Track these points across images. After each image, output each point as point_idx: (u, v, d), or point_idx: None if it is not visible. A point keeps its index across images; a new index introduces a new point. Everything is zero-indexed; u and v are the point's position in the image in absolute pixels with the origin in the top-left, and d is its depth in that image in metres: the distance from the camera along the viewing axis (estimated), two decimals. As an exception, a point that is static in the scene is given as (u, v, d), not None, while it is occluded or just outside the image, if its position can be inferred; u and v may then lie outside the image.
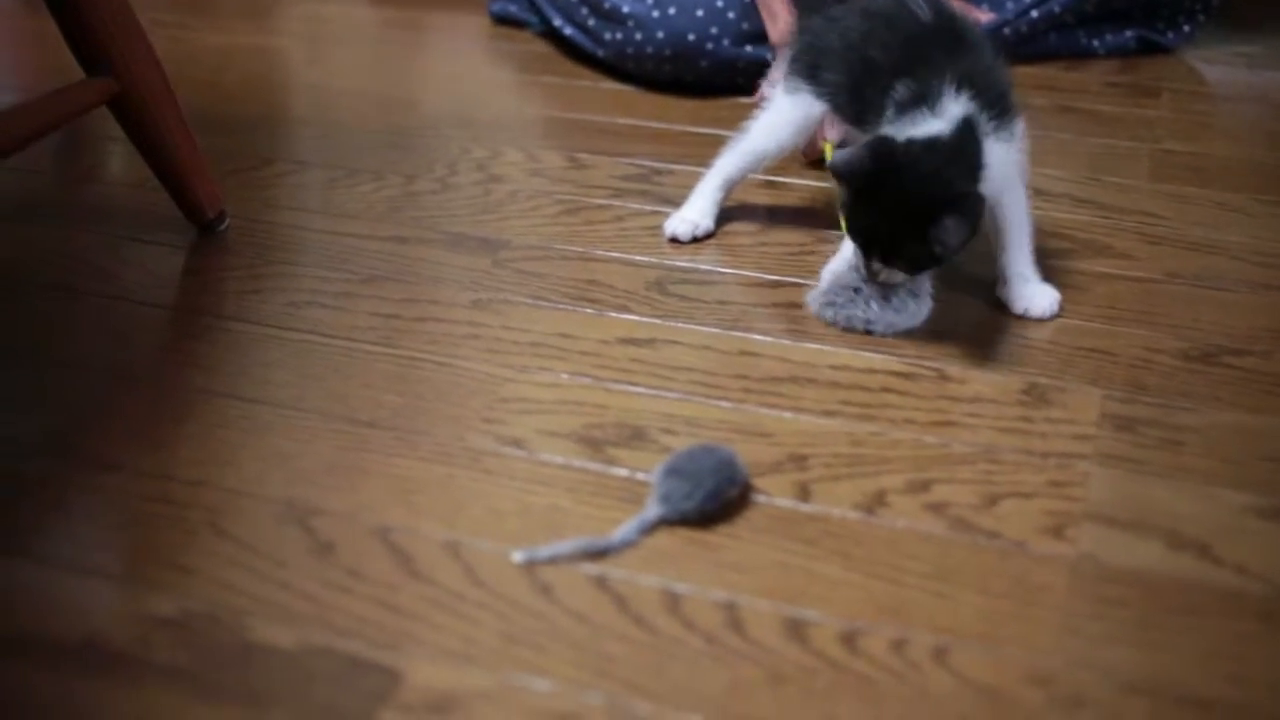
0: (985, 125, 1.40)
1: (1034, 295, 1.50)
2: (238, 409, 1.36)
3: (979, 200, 1.36)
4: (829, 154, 1.89)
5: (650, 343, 1.47)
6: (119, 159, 1.97)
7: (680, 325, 1.49)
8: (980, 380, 1.40)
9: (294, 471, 1.27)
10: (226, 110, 2.11)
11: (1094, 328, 1.48)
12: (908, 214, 1.34)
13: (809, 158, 1.87)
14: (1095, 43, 2.28)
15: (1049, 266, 1.59)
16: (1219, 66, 2.28)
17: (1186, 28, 2.30)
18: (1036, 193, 1.75)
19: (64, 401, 1.38)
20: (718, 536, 1.18)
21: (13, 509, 1.22)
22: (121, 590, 1.13)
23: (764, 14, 2.01)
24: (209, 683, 1.03)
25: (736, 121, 1.67)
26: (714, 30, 2.06)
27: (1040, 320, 1.49)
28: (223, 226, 1.72)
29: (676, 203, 1.75)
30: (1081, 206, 1.76)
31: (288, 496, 1.24)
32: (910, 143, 1.38)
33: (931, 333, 1.47)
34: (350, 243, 1.68)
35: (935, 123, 1.38)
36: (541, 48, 2.36)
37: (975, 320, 1.50)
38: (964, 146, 1.38)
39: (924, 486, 1.24)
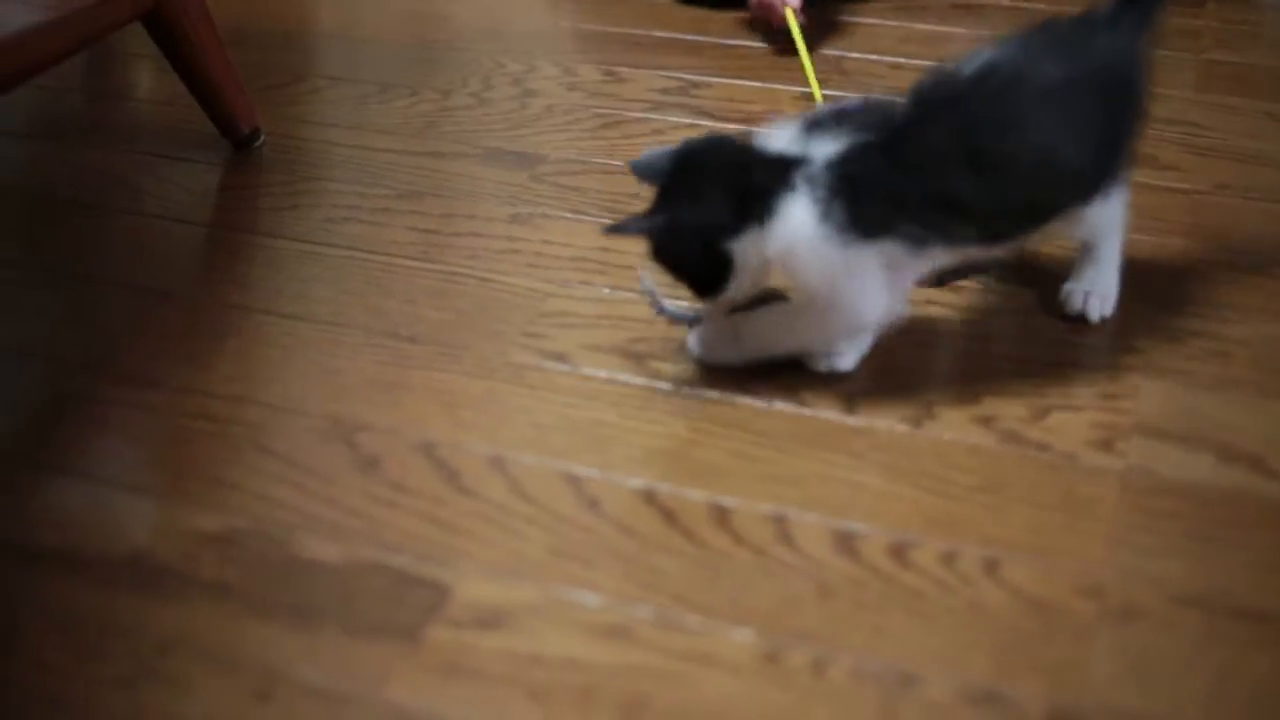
0: (807, 184, 1.17)
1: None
2: (277, 325, 1.36)
3: (671, 229, 1.21)
4: (792, 21, 1.86)
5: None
6: (150, 75, 1.95)
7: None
8: (1027, 294, 1.38)
9: (336, 387, 1.26)
10: (258, 25, 2.09)
11: (1142, 240, 1.46)
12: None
13: (775, 26, 1.89)
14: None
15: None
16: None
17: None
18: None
19: (102, 320, 1.38)
20: (764, 450, 1.17)
21: (56, 427, 1.22)
22: (166, 507, 1.12)
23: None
24: (257, 598, 1.03)
25: (771, 34, 1.64)
26: None
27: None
28: (258, 143, 1.70)
29: (715, 115, 1.73)
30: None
31: (331, 412, 1.23)
32: (720, 148, 1.23)
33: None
34: (386, 158, 1.67)
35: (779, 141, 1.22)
36: None
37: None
38: (749, 179, 1.19)
39: (973, 399, 1.22)
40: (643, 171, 1.23)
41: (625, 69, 1.89)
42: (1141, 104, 1.27)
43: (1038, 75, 1.20)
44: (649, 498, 1.12)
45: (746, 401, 1.23)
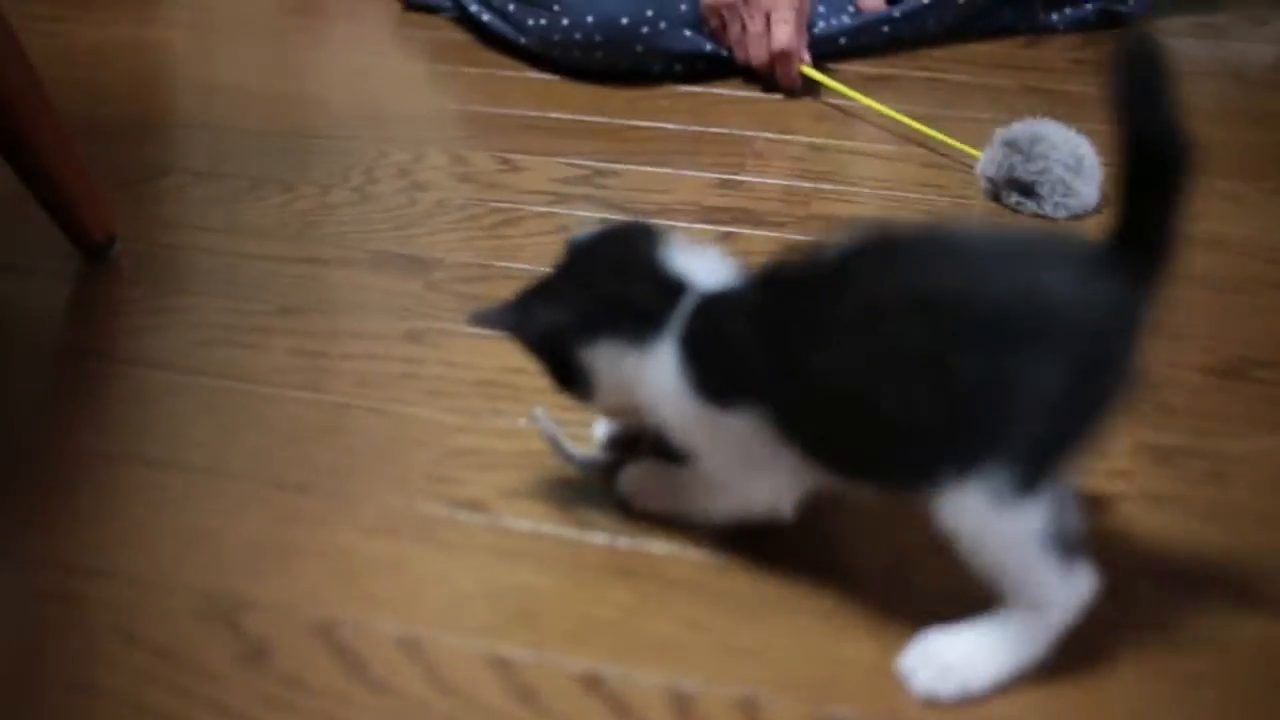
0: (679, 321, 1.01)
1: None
2: (142, 476, 1.17)
3: (519, 326, 1.08)
4: (812, 71, 1.74)
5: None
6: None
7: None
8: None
9: (215, 554, 1.08)
10: (109, 114, 1.88)
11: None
12: None
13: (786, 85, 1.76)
14: (1054, 17, 2.13)
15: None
16: (1185, 40, 2.14)
17: (1141, -2, 2.15)
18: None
19: (-66, 475, 1.18)
20: (725, 617, 1.01)
21: (-125, 619, 1.02)
22: (13, 721, 0.93)
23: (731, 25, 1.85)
24: (128, 843, 0.84)
25: (680, 113, 1.49)
26: (649, 13, 1.87)
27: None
28: (113, 251, 1.51)
29: (624, 207, 1.57)
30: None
31: (209, 587, 1.04)
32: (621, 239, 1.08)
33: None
34: (261, 267, 1.48)
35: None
36: (457, 35, 2.14)
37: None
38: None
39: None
40: (568, 252, 1.09)
41: (521, 156, 1.72)
42: (1101, 384, 0.89)
43: (919, 277, 0.90)
44: (592, 684, 0.95)
45: (698, 556, 1.07)
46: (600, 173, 1.67)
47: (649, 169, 1.67)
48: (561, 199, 1.61)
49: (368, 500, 1.13)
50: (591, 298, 1.04)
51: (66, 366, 1.34)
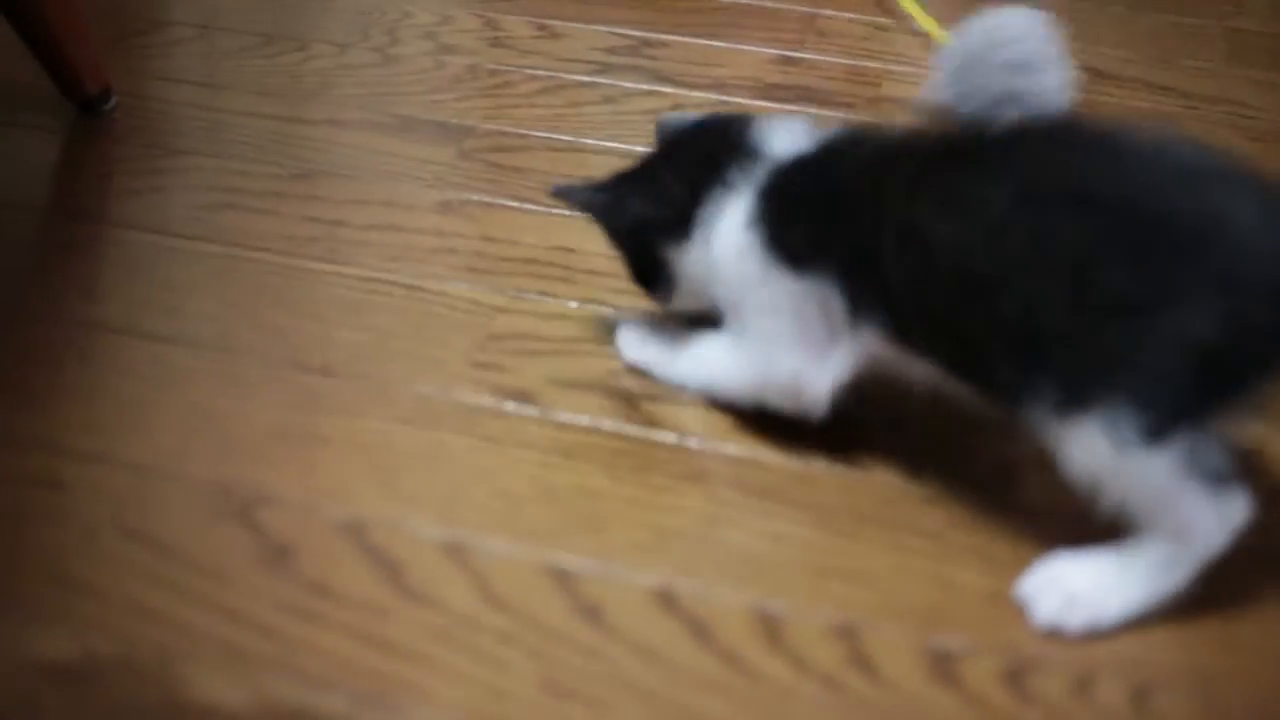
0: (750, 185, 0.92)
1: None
2: (142, 350, 1.02)
3: (607, 212, 0.99)
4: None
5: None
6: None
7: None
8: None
9: (227, 440, 0.94)
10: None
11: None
12: None
13: None
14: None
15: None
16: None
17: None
18: (1100, 76, 1.46)
19: (-95, 340, 1.03)
20: (813, 530, 0.88)
21: None
22: (-6, 623, 0.80)
23: None
24: (128, 770, 0.71)
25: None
26: None
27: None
28: (108, 106, 1.35)
29: (677, 80, 1.42)
30: (1161, 94, 1.45)
31: (221, 477, 0.91)
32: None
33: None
34: (273, 127, 1.33)
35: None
36: None
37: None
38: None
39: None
40: (659, 136, 1.01)
41: (561, 23, 1.56)
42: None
43: (1083, 171, 0.78)
44: (668, 602, 0.82)
45: (778, 460, 0.94)
46: (647, 43, 1.52)
47: (701, 41, 1.52)
48: (606, 69, 1.46)
49: (401, 386, 0.99)
50: (683, 190, 0.94)
51: (54, 228, 1.19)
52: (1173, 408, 0.75)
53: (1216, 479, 0.78)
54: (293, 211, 1.19)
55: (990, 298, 0.78)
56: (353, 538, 0.86)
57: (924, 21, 1.52)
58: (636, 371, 1.01)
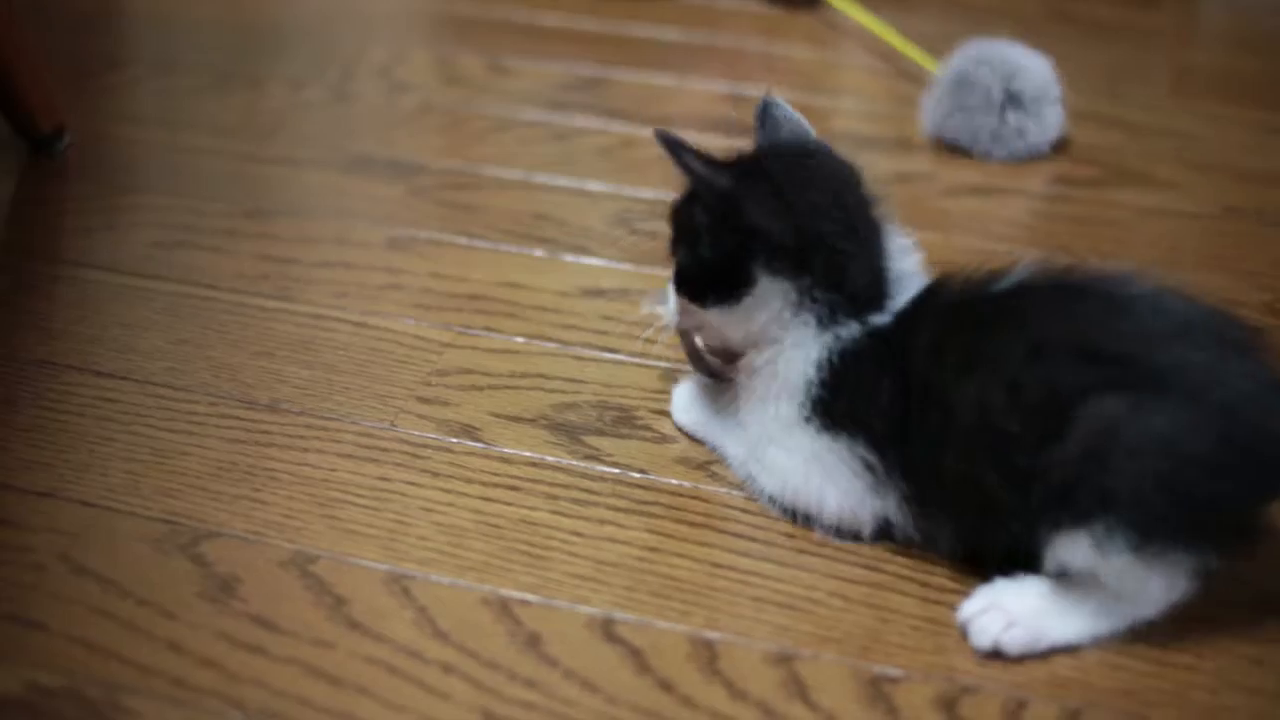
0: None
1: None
2: (92, 388, 1.04)
3: (723, 200, 0.91)
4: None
5: (623, 294, 1.16)
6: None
7: (658, 272, 1.18)
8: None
9: (174, 476, 0.95)
10: (62, 1, 1.73)
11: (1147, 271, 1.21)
12: None
13: None
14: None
15: (1084, 199, 1.33)
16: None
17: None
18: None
19: None
20: (754, 560, 0.90)
21: None
22: (-61, 659, 0.81)
23: None
24: (70, 804, 0.72)
25: (680, 22, 1.36)
26: None
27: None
28: (62, 145, 1.36)
29: (629, 117, 1.44)
30: (1109, 128, 1.48)
31: (168, 512, 0.92)
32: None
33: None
34: (226, 166, 1.34)
35: None
36: None
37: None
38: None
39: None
40: (767, 115, 0.97)
41: (514, 60, 1.58)
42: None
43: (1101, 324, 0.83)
44: (608, 632, 0.84)
45: (721, 494, 0.95)
46: (599, 80, 1.54)
47: (650, 78, 1.54)
48: (558, 106, 1.48)
49: (347, 421, 1.01)
50: (806, 230, 0.89)
51: (7, 266, 1.20)
52: (1162, 528, 0.79)
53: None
54: (244, 249, 1.21)
55: (1008, 449, 0.82)
56: (297, 571, 0.87)
57: (912, 54, 1.53)
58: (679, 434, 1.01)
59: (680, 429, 1.00)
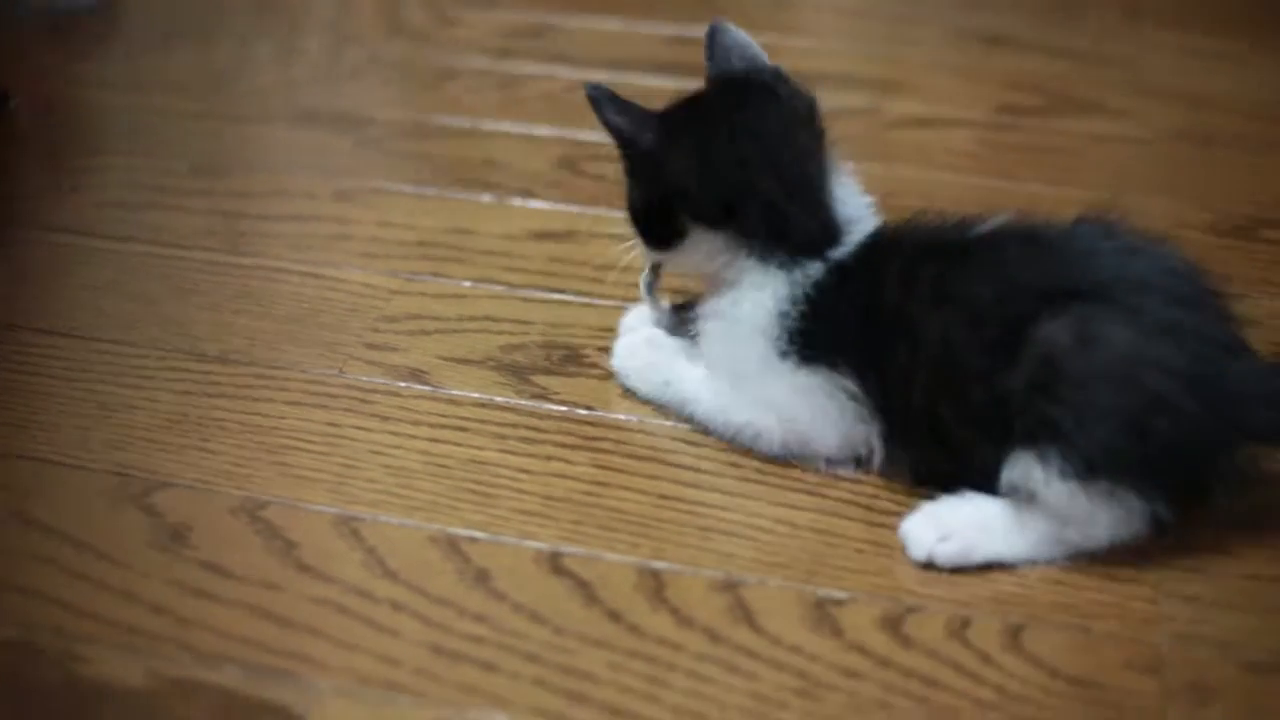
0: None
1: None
2: (44, 346, 1.04)
3: (644, 157, 0.92)
4: None
5: (569, 236, 1.17)
6: None
7: (604, 213, 1.19)
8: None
9: (125, 429, 0.96)
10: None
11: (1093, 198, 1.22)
12: None
13: None
14: None
15: (1030, 127, 1.33)
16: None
17: None
18: (994, 40, 1.50)
19: None
20: (700, 490, 0.91)
21: None
22: (-109, 615, 0.81)
23: None
24: (25, 749, 0.73)
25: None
26: None
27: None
28: (8, 107, 1.36)
29: (578, 61, 1.44)
30: (1057, 57, 1.48)
31: (119, 464, 0.92)
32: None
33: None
34: (175, 124, 1.34)
35: None
36: None
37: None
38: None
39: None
40: (716, 42, 0.96)
41: (461, 10, 1.58)
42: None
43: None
44: (556, 566, 0.85)
45: (667, 427, 0.96)
46: (548, 26, 1.54)
47: (598, 23, 1.54)
48: (505, 53, 1.48)
49: (295, 370, 1.01)
50: (732, 184, 0.90)
51: (-44, 230, 1.21)
52: (1104, 462, 0.81)
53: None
54: (192, 205, 1.21)
55: (968, 381, 0.83)
56: (247, 518, 0.88)
57: None
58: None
59: (625, 385, 1.00)
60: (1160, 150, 1.32)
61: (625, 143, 0.92)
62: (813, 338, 0.89)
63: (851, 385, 0.88)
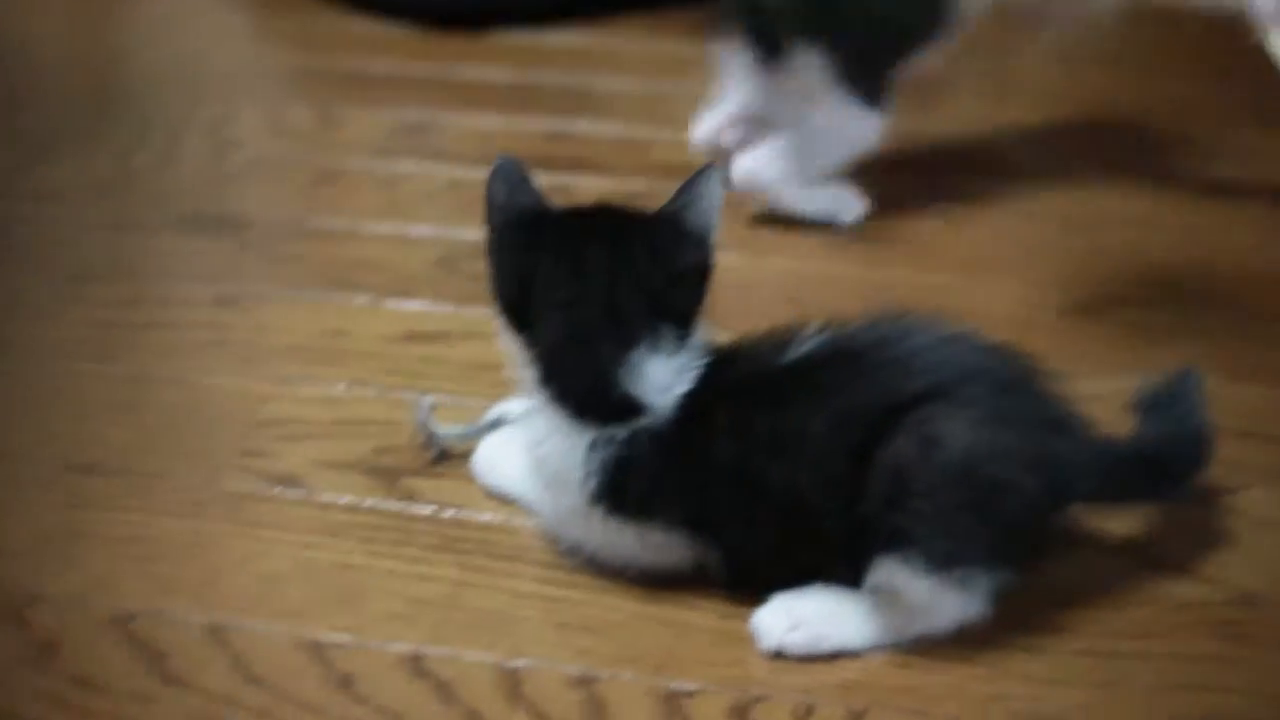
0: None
1: None
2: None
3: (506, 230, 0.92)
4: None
5: (444, 337, 1.20)
6: None
7: (480, 313, 1.21)
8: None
9: (-4, 544, 0.97)
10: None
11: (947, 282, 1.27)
12: None
13: None
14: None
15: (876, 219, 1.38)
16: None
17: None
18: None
19: None
20: (560, 589, 0.93)
21: None
22: None
23: None
24: None
25: (510, 59, 1.39)
26: None
27: None
28: None
29: (455, 157, 1.48)
30: (916, 139, 1.54)
31: (-11, 580, 0.94)
32: None
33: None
34: (52, 233, 1.36)
35: None
36: None
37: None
38: None
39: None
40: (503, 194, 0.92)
41: (346, 110, 1.61)
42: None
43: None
44: (417, 668, 0.87)
45: (528, 527, 0.99)
46: (428, 125, 1.58)
47: (478, 118, 1.58)
48: (386, 153, 1.51)
49: (166, 479, 1.03)
50: (532, 316, 0.90)
51: None
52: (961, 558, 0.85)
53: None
54: (69, 315, 1.23)
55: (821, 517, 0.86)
56: (117, 630, 0.90)
57: None
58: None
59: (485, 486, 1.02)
60: (1019, 232, 1.37)
61: (486, 210, 0.91)
62: (624, 495, 0.89)
63: (678, 536, 0.90)
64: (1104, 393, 1.05)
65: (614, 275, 0.88)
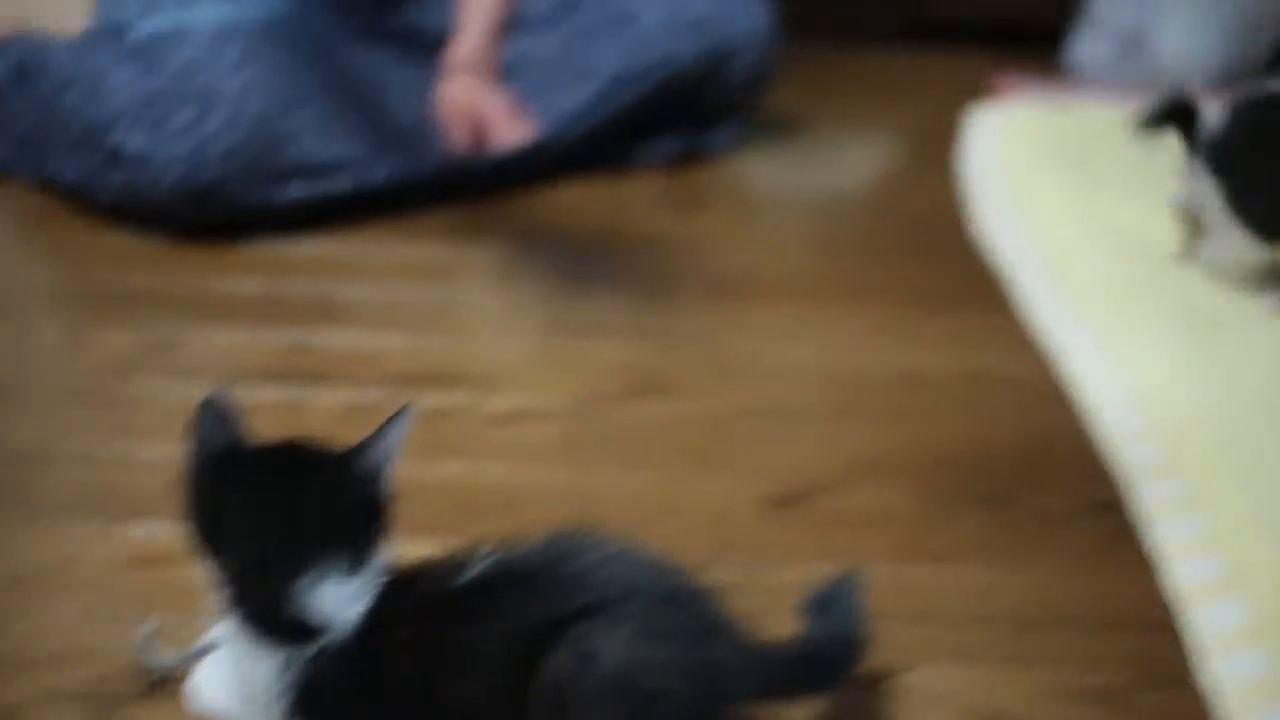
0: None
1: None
2: None
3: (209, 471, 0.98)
4: None
5: (171, 559, 1.22)
6: None
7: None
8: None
9: None
10: None
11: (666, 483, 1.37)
12: None
13: None
14: (641, 150, 2.19)
15: (608, 415, 1.47)
16: (762, 169, 2.26)
17: (728, 131, 2.26)
18: (588, 329, 1.65)
19: None
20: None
21: None
22: None
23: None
24: None
25: (261, 270, 1.45)
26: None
27: None
28: None
29: (200, 375, 1.53)
30: (643, 340, 1.65)
31: None
32: None
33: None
34: None
35: None
36: (32, 200, 2.01)
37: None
38: None
39: None
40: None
41: (90, 328, 1.65)
42: None
43: None
44: None
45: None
46: (171, 342, 1.62)
47: (220, 333, 1.64)
48: (127, 373, 1.56)
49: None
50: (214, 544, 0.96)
51: None
52: None
53: None
54: None
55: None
56: None
57: None
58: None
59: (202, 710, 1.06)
60: (726, 426, 1.47)
61: (188, 444, 0.97)
62: (314, 712, 0.95)
63: None
64: (798, 582, 1.14)
65: (290, 509, 0.94)
